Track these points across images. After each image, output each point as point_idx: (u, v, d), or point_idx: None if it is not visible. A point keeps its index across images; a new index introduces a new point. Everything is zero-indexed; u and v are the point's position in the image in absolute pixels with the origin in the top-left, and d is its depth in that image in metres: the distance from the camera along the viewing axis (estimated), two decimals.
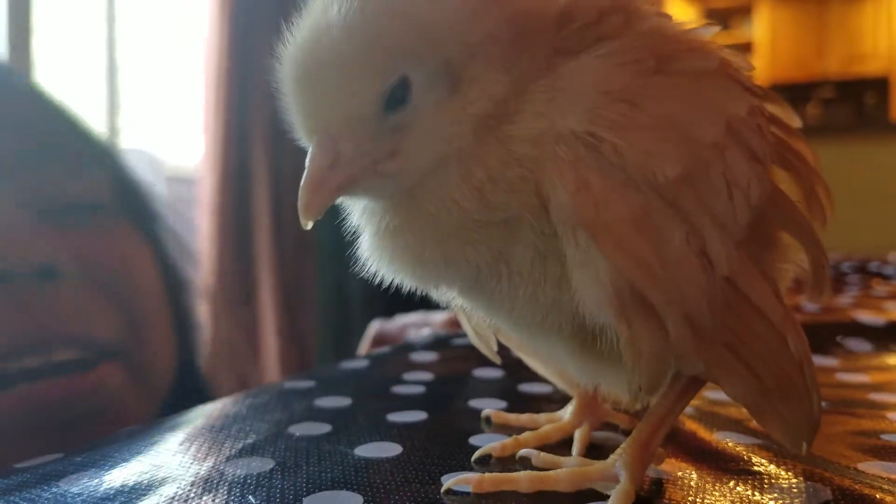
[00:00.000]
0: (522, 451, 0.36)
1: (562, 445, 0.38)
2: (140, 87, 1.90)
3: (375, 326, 0.83)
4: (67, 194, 0.62)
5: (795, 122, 0.35)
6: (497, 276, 0.31)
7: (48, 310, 0.56)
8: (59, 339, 0.56)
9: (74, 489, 0.33)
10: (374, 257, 0.32)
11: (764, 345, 0.29)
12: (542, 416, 0.41)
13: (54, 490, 0.33)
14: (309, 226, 0.30)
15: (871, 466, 0.34)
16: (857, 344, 0.62)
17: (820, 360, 0.57)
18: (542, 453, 0.35)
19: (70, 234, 0.60)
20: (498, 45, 0.29)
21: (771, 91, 0.35)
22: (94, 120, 1.72)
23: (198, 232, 1.79)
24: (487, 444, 0.36)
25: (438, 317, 0.71)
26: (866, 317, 0.68)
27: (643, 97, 0.28)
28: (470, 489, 0.32)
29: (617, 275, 0.27)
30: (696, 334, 0.27)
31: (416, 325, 0.77)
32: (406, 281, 0.32)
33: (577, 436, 0.38)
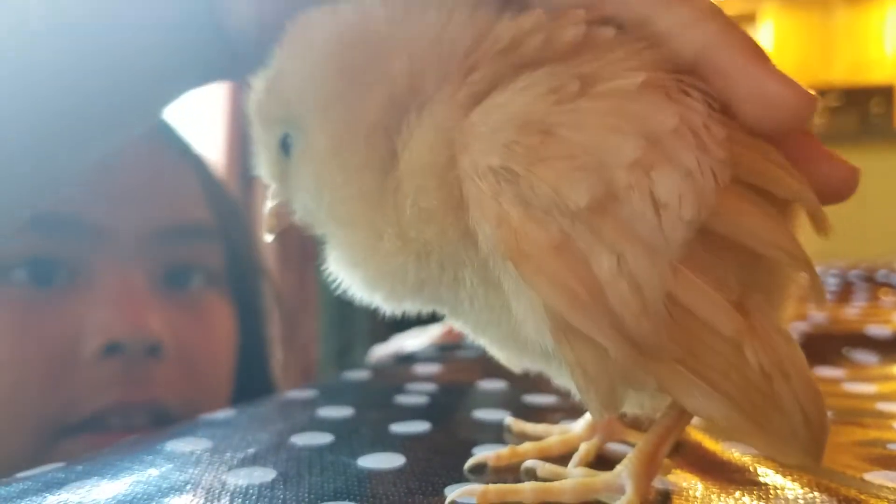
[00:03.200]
0: (528, 463, 0.35)
1: (565, 458, 0.37)
2: None
3: (375, 352, 0.84)
4: (191, 262, 0.68)
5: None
6: (459, 301, 0.32)
7: (145, 383, 0.61)
8: (142, 408, 0.62)
9: (75, 498, 0.33)
10: (339, 277, 0.35)
11: (720, 358, 0.28)
12: (557, 428, 0.41)
13: (55, 498, 0.33)
14: (268, 240, 0.38)
15: (878, 476, 0.34)
16: (863, 355, 0.62)
17: (826, 371, 0.57)
18: (548, 464, 0.35)
19: (171, 304, 0.65)
20: (346, 100, 0.32)
21: None
22: None
23: None
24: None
25: (436, 330, 0.71)
26: (873, 328, 0.68)
27: (560, 126, 0.28)
28: (474, 500, 0.31)
29: (548, 303, 0.27)
30: (641, 353, 0.27)
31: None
32: (373, 302, 0.34)
33: (581, 448, 0.37)
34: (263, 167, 0.37)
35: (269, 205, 0.37)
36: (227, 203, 0.77)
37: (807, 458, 0.29)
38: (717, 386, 0.28)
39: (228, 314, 0.73)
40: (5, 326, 0.59)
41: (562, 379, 0.36)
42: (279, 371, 0.91)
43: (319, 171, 0.33)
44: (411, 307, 0.34)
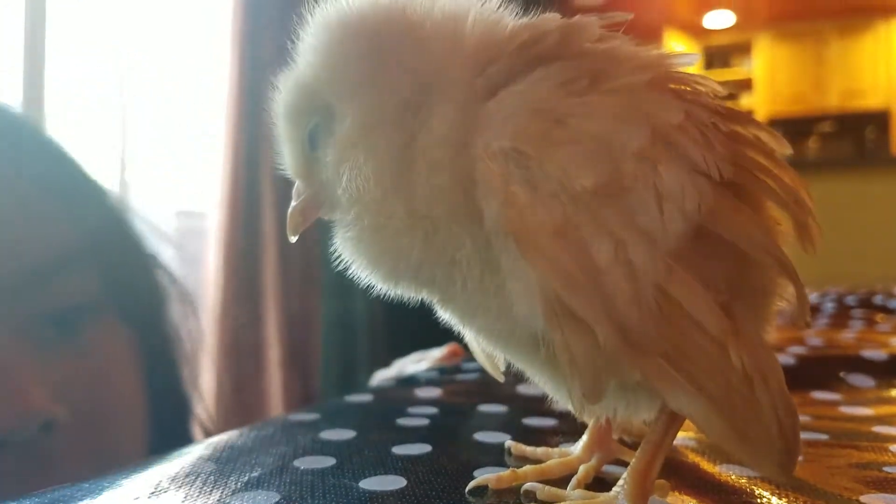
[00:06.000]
0: (528, 485, 0.36)
1: (565, 480, 0.38)
2: (152, 126, 1.93)
3: (377, 376, 0.84)
4: (68, 301, 0.60)
5: (785, 149, 0.35)
6: (452, 283, 0.33)
7: (46, 468, 0.55)
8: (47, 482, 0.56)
9: None
10: (344, 254, 0.36)
11: (705, 357, 0.29)
12: (557, 451, 0.41)
13: None
14: (293, 239, 0.38)
15: (874, 499, 0.34)
16: (859, 379, 0.62)
17: (822, 395, 0.57)
18: (547, 487, 0.35)
19: (55, 357, 0.58)
20: (375, 83, 0.34)
21: (752, 117, 0.35)
22: (105, 157, 1.75)
23: (205, 265, 1.80)
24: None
25: (436, 353, 0.71)
26: (870, 352, 0.68)
27: (571, 115, 0.30)
28: None
29: (544, 283, 0.28)
30: (628, 343, 0.28)
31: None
32: (371, 279, 0.35)
33: (581, 470, 0.38)
34: (290, 164, 0.38)
35: (293, 204, 0.37)
36: (98, 216, 0.67)
37: (779, 471, 0.29)
38: (701, 385, 0.28)
39: (124, 339, 0.66)
40: None
41: (542, 377, 0.36)
42: (203, 390, 0.82)
43: (345, 153, 0.34)
44: (406, 289, 0.35)
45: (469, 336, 0.40)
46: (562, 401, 0.37)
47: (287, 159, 0.38)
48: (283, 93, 0.37)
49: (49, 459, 0.55)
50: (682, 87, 0.33)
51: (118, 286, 0.67)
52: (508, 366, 0.41)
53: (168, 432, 0.70)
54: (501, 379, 0.43)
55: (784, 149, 0.35)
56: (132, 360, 0.67)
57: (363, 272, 0.35)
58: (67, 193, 0.65)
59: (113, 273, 0.66)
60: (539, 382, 0.37)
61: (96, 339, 0.63)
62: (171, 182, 1.97)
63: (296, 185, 0.38)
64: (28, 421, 0.53)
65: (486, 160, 0.30)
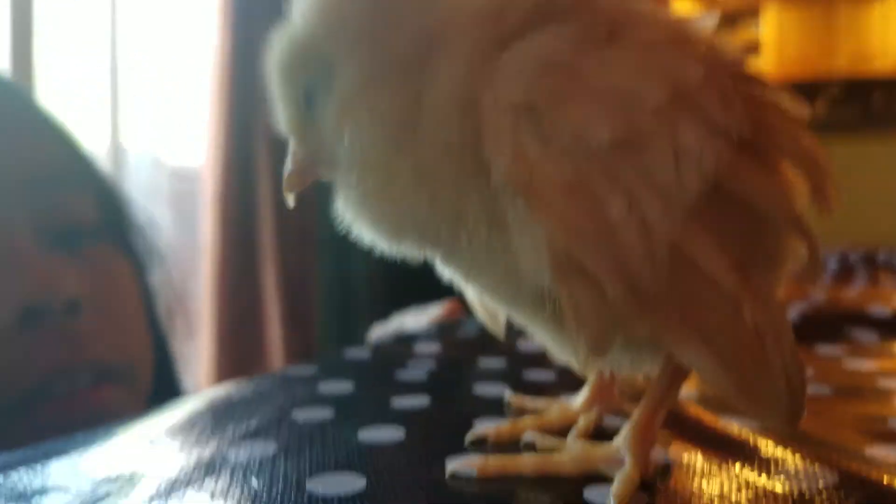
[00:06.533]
0: (528, 436, 0.35)
1: (565, 432, 0.37)
2: (143, 84, 1.91)
3: (375, 332, 0.83)
4: (70, 218, 0.65)
5: (802, 112, 0.34)
6: (457, 240, 0.32)
7: (75, 342, 0.60)
8: (81, 367, 0.60)
9: (73, 471, 0.33)
10: (345, 214, 0.34)
11: (717, 314, 0.28)
12: (557, 403, 0.41)
13: (51, 471, 0.33)
14: (290, 202, 0.36)
15: (879, 451, 0.34)
16: (864, 334, 0.62)
17: (826, 349, 0.57)
18: (547, 437, 0.35)
19: (76, 260, 0.63)
20: (376, 36, 0.32)
21: (768, 79, 0.34)
22: (96, 115, 1.72)
23: (202, 224, 1.79)
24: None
25: (434, 310, 0.71)
26: (874, 308, 0.68)
27: (586, 68, 0.28)
28: (474, 472, 0.31)
29: (553, 239, 0.27)
30: (637, 299, 0.27)
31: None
32: (374, 240, 0.34)
33: (581, 421, 0.37)
34: (286, 124, 0.36)
35: (289, 164, 0.36)
36: (82, 152, 0.71)
37: (784, 425, 0.29)
38: (711, 341, 0.28)
39: (126, 268, 0.71)
40: None
41: (545, 334, 0.36)
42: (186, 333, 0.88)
43: (346, 111, 0.32)
44: (409, 248, 0.34)
45: (471, 293, 0.39)
46: (564, 358, 0.37)
47: (282, 119, 0.36)
48: (277, 49, 0.35)
49: (76, 340, 0.59)
50: (702, 47, 0.32)
51: (114, 220, 0.71)
52: (509, 322, 0.41)
53: (161, 379, 0.73)
54: (502, 335, 0.42)
55: (802, 112, 0.34)
56: (135, 289, 0.71)
57: (366, 233, 0.34)
58: (58, 127, 0.69)
59: (108, 205, 0.70)
60: (541, 339, 0.36)
61: (102, 259, 0.67)
62: (164, 143, 1.95)
63: (291, 145, 0.36)
64: (57, 295, 0.58)
65: (495, 114, 0.28)
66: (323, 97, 0.33)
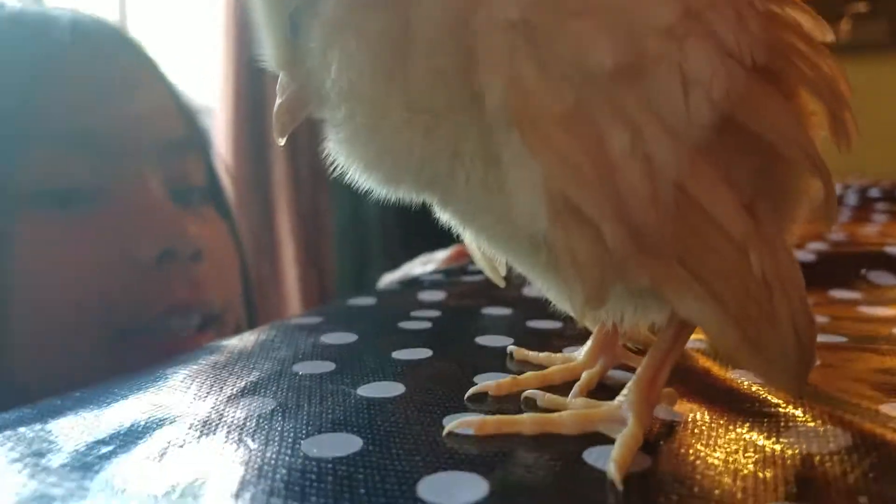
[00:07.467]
0: (528, 392, 0.35)
1: (568, 386, 0.36)
2: (154, 24, 1.87)
3: (384, 279, 0.83)
4: (190, 180, 0.74)
5: (826, 35, 0.32)
6: (454, 179, 0.30)
7: (194, 285, 0.68)
8: (195, 309, 0.68)
9: (68, 427, 0.33)
10: (337, 157, 0.33)
11: (723, 261, 0.26)
12: (560, 356, 0.40)
13: (55, 424, 0.33)
14: (281, 142, 0.34)
15: (894, 408, 0.33)
16: (881, 276, 0.60)
17: (842, 294, 0.55)
18: (548, 395, 0.34)
19: (195, 217, 0.72)
20: None
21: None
22: None
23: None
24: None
25: (441, 255, 0.70)
26: (893, 248, 0.65)
27: None
28: (472, 431, 0.31)
29: (550, 178, 0.25)
30: (638, 245, 0.25)
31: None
32: (369, 183, 0.32)
33: (584, 376, 0.36)
34: (271, 53, 0.33)
35: (278, 102, 0.34)
36: (198, 120, 0.80)
37: (791, 382, 0.28)
38: (715, 291, 0.26)
39: (223, 224, 0.79)
40: (67, 244, 0.63)
41: (543, 282, 0.34)
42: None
43: (333, 40, 0.30)
44: (406, 191, 0.32)
45: (468, 238, 0.38)
46: (564, 307, 0.35)
47: (267, 48, 0.33)
48: None
49: (196, 284, 0.68)
50: None
51: (214, 182, 0.80)
52: (510, 269, 0.39)
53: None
54: (502, 284, 0.41)
55: (825, 34, 0.32)
56: (231, 244, 0.80)
57: (360, 176, 0.32)
58: (173, 89, 0.77)
59: (211, 170, 0.79)
60: (541, 287, 0.35)
61: (211, 217, 0.76)
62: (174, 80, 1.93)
63: (279, 78, 0.34)
64: (186, 243, 0.66)
65: (489, 33, 0.26)
66: (308, 21, 0.31)
